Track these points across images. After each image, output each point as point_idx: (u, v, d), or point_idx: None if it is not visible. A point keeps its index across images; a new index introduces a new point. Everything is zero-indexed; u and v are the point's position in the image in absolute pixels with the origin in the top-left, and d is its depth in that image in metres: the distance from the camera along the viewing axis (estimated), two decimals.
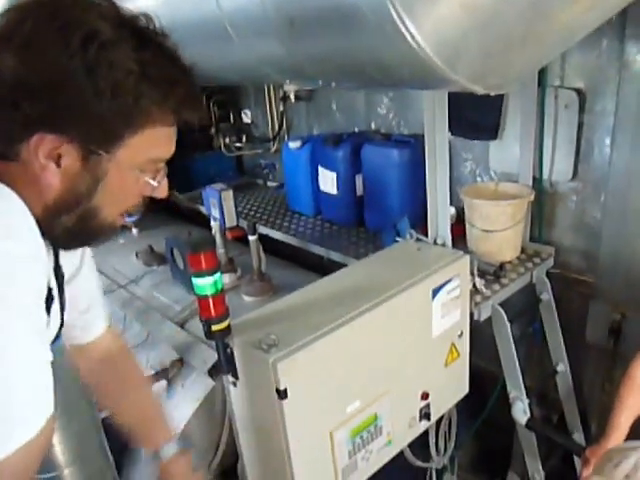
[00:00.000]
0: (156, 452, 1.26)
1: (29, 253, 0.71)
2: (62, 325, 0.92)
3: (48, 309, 0.80)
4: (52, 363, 1.09)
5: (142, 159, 0.81)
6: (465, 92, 1.27)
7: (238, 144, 3.52)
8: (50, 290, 0.81)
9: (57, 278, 0.89)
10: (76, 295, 1.00)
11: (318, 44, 1.14)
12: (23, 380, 0.69)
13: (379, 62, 1.06)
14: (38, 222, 0.75)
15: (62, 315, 0.91)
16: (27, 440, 0.68)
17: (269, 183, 3.55)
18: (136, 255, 2.64)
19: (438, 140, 1.80)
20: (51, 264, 0.87)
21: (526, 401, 2.05)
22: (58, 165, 0.75)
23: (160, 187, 0.87)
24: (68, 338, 1.09)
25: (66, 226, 0.81)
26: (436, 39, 0.92)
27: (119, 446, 1.71)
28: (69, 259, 0.95)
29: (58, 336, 0.91)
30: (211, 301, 1.34)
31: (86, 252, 1.03)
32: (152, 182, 0.84)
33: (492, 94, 1.11)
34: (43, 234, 0.75)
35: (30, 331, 0.70)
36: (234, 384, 1.46)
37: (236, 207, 2.62)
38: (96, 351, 1.17)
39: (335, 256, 2.39)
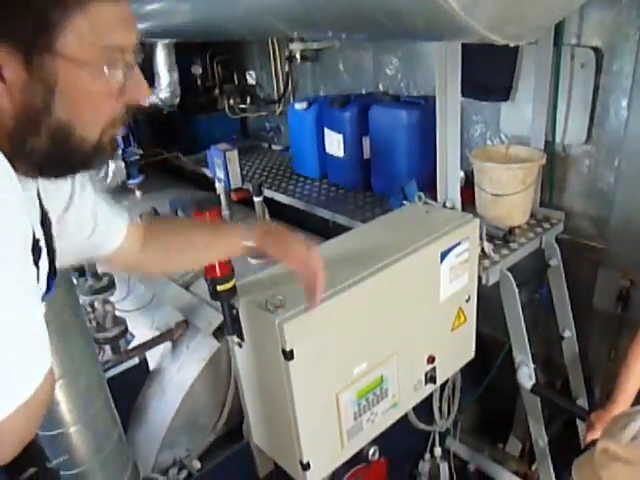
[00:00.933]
0: (247, 245, 1.20)
1: (10, 200, 0.64)
2: (55, 275, 0.87)
3: (36, 262, 0.73)
4: (57, 320, 1.07)
5: (93, 49, 0.67)
6: (479, 46, 1.22)
7: (242, 106, 3.45)
8: (37, 241, 0.74)
9: (44, 227, 0.81)
10: (74, 225, 0.94)
11: None
12: (16, 336, 0.64)
13: (391, 8, 1.00)
14: (12, 156, 0.66)
15: (54, 266, 0.86)
16: (26, 398, 0.65)
17: (274, 146, 3.49)
18: (140, 217, 2.59)
19: (450, 98, 1.74)
20: (37, 212, 0.79)
21: (532, 366, 2.05)
22: (2, 80, 0.64)
23: (136, 87, 0.73)
24: (95, 257, 1.05)
25: (40, 151, 0.70)
26: None
27: (125, 405, 1.72)
28: (54, 200, 0.87)
29: (50, 288, 0.87)
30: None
31: (75, 184, 0.93)
32: (113, 72, 0.70)
33: (511, 45, 1.06)
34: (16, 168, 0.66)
35: (20, 284, 0.65)
36: (239, 345, 1.45)
37: (241, 170, 2.58)
38: (133, 248, 1.10)
39: (341, 220, 2.36)
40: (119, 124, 0.75)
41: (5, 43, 0.63)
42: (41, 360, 0.69)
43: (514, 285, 1.93)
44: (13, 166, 0.66)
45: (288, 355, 1.28)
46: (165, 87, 3.06)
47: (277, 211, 2.55)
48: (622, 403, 1.56)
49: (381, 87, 2.76)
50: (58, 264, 0.88)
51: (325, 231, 2.41)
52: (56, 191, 0.88)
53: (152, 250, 1.16)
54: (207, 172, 2.95)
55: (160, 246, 1.18)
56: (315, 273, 1.23)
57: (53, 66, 0.66)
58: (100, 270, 1.74)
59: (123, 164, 2.70)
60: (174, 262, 1.26)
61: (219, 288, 1.35)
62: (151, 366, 1.91)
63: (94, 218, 0.98)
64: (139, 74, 0.74)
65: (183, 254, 1.21)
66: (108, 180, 2.68)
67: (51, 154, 0.71)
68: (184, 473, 1.67)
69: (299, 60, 2.99)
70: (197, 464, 1.69)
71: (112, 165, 2.67)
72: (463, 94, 2.18)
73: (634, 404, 1.57)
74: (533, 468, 2.58)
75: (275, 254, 1.25)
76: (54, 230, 0.85)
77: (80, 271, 1.71)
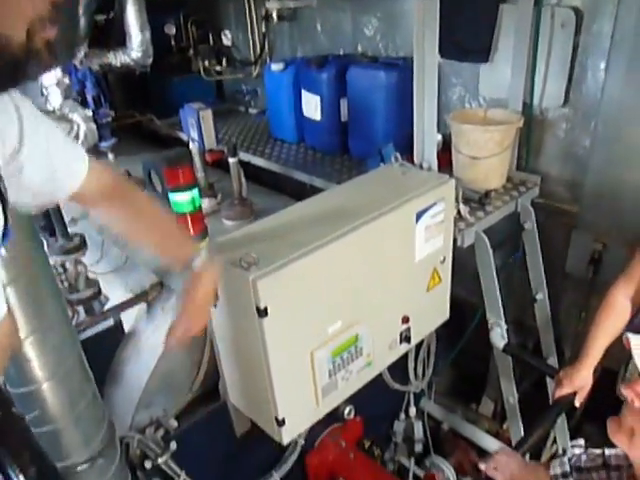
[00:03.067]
0: (187, 265, 1.20)
1: None
2: (6, 222, 0.84)
3: None
4: (24, 274, 1.04)
5: None
6: (459, 6, 1.19)
7: (218, 68, 3.36)
8: None
9: None
10: (29, 167, 0.90)
11: None
12: None
13: None
14: None
15: (5, 212, 0.83)
16: None
17: (251, 110, 3.43)
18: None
19: (427, 59, 1.72)
20: None
21: (504, 327, 2.09)
22: None
23: None
24: (55, 199, 1.03)
25: None
26: None
27: (101, 367, 1.71)
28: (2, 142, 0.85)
29: (5, 234, 0.84)
30: (189, 219, 1.30)
31: (24, 125, 0.88)
32: None
33: None
34: None
35: None
36: (214, 305, 1.44)
37: (217, 134, 2.52)
38: (90, 192, 1.07)
39: (318, 182, 2.34)
40: (49, 24, 0.68)
41: None
42: None
43: (489, 247, 1.94)
44: None
45: (262, 312, 1.28)
46: (137, 47, 2.95)
47: (254, 174, 2.52)
48: (590, 360, 1.60)
49: (360, 48, 2.71)
50: (13, 207, 0.86)
51: (302, 194, 2.37)
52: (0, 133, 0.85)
53: (119, 211, 1.14)
54: (182, 136, 2.87)
55: (129, 212, 1.15)
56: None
57: None
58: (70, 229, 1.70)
59: (94, 126, 2.61)
60: (135, 235, 1.22)
61: None
62: (126, 328, 1.89)
63: (51, 160, 0.95)
64: None
65: (145, 233, 1.19)
66: (79, 142, 2.60)
67: None
68: (161, 432, 1.67)
69: (276, 20, 2.92)
70: (174, 423, 1.69)
71: (83, 126, 2.59)
72: (443, 55, 2.17)
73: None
74: (504, 427, 2.67)
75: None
76: (2, 172, 0.82)
77: (50, 231, 1.67)
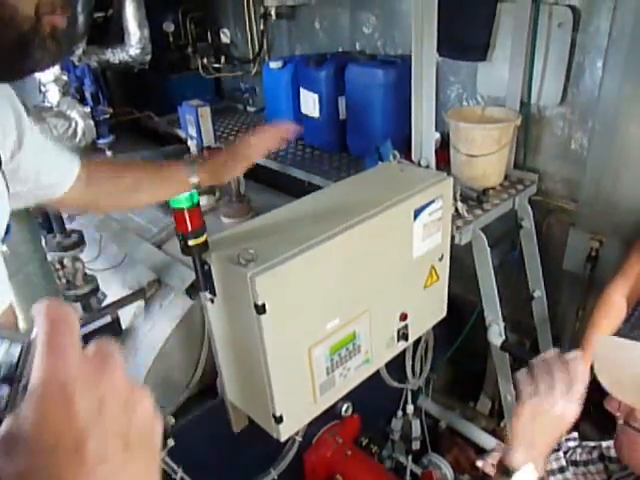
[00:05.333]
0: (192, 182, 1.28)
1: None
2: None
3: None
4: (22, 271, 1.04)
5: None
6: (458, 4, 1.18)
7: (216, 65, 3.36)
8: None
9: None
10: (26, 168, 0.92)
11: None
12: None
13: None
14: None
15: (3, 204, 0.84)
16: None
17: (249, 108, 3.43)
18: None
19: (425, 57, 1.72)
20: None
21: (502, 324, 2.09)
22: None
23: None
24: (45, 200, 1.05)
25: None
26: None
27: None
28: (2, 139, 0.86)
29: (7, 230, 0.85)
30: (187, 215, 1.30)
31: (23, 125, 0.90)
32: None
33: None
34: None
35: None
36: (212, 301, 1.44)
37: (215, 131, 2.52)
38: (80, 187, 1.10)
39: (317, 180, 2.34)
40: (59, 10, 0.69)
41: None
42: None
43: (486, 245, 1.95)
44: None
45: (260, 309, 1.28)
46: (135, 44, 2.95)
47: (252, 173, 2.51)
48: (586, 358, 1.61)
49: (358, 46, 2.71)
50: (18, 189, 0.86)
51: (300, 192, 2.38)
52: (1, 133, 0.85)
53: (100, 190, 1.18)
54: (181, 133, 2.87)
55: (109, 187, 1.20)
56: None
57: None
58: (68, 226, 1.70)
59: (92, 122, 2.61)
60: (124, 202, 1.31)
61: (190, 243, 1.33)
62: (124, 325, 1.89)
63: (45, 161, 0.96)
64: None
65: (133, 195, 1.25)
66: (77, 139, 2.60)
67: None
68: None
69: (274, 17, 2.92)
70: (171, 420, 1.69)
71: (81, 123, 2.59)
72: (441, 53, 2.17)
73: None
74: (502, 425, 2.67)
75: (217, 178, 1.39)
76: (5, 167, 0.83)
77: (48, 228, 1.67)
